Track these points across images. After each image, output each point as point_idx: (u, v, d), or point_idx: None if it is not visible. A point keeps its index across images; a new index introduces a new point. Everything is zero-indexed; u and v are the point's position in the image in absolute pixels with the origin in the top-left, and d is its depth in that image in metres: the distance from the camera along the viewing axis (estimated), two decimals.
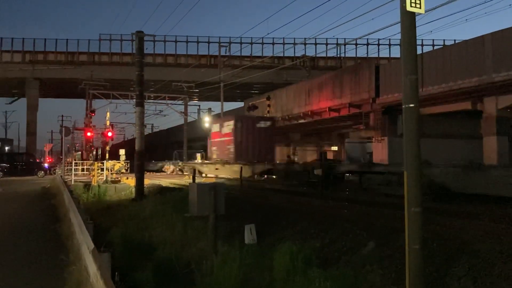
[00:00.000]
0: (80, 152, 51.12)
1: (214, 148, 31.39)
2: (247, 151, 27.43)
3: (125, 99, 43.82)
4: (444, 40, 43.68)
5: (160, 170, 41.39)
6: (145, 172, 39.25)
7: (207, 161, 33.16)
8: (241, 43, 45.54)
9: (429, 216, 8.04)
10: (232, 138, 28.18)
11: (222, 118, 33.06)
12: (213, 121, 33.73)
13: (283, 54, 45.20)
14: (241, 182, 21.27)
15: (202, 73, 41.65)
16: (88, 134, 39.75)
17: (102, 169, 24.73)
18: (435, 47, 40.61)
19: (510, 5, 32.63)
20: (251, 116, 33.47)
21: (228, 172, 26.12)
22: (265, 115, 33.45)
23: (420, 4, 5.02)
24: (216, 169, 28.11)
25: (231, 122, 28.69)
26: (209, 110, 44.52)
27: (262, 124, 29.21)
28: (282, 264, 6.61)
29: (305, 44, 46.24)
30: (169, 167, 39.89)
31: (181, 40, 47.74)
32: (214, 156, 30.91)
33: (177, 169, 37.75)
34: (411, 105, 5.01)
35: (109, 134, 27.65)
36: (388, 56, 46.03)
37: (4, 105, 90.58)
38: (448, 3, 15.42)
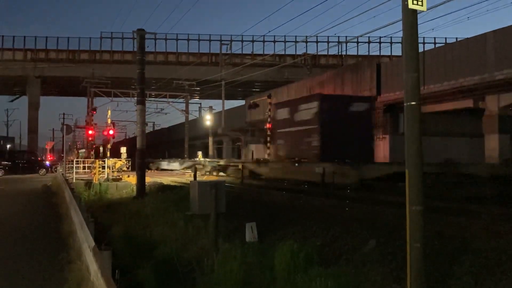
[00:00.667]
0: (84, 150, 51.19)
1: (280, 141, 23.29)
2: (338, 145, 18.96)
3: (126, 97, 43.82)
4: (446, 38, 43.68)
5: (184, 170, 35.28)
6: (161, 170, 37.94)
7: (264, 159, 25.94)
8: (242, 41, 45.54)
9: (430, 214, 8.03)
10: (316, 126, 19.64)
11: (295, 99, 24.32)
12: (277, 105, 24.41)
13: (285, 52, 45.24)
14: (242, 180, 21.25)
15: (203, 71, 41.64)
16: (90, 132, 39.80)
17: (104, 167, 24.76)
18: (437, 45, 40.53)
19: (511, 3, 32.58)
20: (340, 95, 24.92)
21: (304, 175, 19.07)
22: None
23: (422, 1, 5.00)
24: (284, 170, 21.03)
25: (314, 104, 20.06)
26: (210, 108, 44.52)
27: (358, 107, 20.64)
28: (283, 262, 6.60)
29: (306, 42, 46.24)
30: (202, 166, 32.47)
31: (183, 38, 47.80)
32: (281, 153, 23.01)
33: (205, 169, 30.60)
34: (413, 103, 5.00)
35: (111, 132, 27.66)
36: (389, 54, 46.00)
37: (6, 103, 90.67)
38: (450, 1, 15.37)
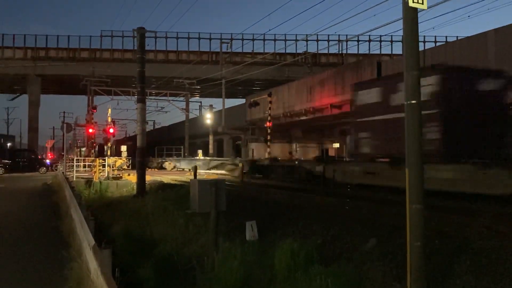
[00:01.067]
0: (85, 148, 51.27)
1: (364, 134, 17.09)
2: (467, 138, 13.57)
3: (126, 96, 43.92)
4: (446, 36, 43.72)
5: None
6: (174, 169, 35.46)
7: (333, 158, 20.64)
8: (242, 39, 45.52)
9: (430, 213, 8.02)
10: (436, 111, 13.45)
11: (393, 75, 17.75)
12: (359, 85, 18.32)
13: (285, 50, 45.27)
14: (242, 178, 21.24)
15: (203, 70, 41.66)
16: (90, 130, 39.82)
17: (104, 166, 24.77)
18: (437, 44, 40.49)
19: None
20: (466, 66, 17.06)
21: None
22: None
23: (422, 0, 4.99)
24: (370, 173, 15.65)
25: (431, 80, 13.77)
26: (211, 106, 44.56)
27: (490, 84, 14.50)
28: (283, 261, 6.59)
29: (306, 40, 46.22)
30: (236, 166, 26.09)
31: (183, 36, 47.78)
32: (366, 150, 16.91)
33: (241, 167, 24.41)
34: (413, 101, 4.99)
35: (111, 130, 27.64)
36: (390, 52, 45.98)
37: (6, 101, 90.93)
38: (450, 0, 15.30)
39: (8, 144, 64.17)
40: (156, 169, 38.46)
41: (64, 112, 58.37)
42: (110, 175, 23.98)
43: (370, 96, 17.02)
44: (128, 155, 29.41)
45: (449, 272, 5.42)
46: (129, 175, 24.82)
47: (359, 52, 46.93)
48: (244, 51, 45.54)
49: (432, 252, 5.82)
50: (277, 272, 6.53)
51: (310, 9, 46.16)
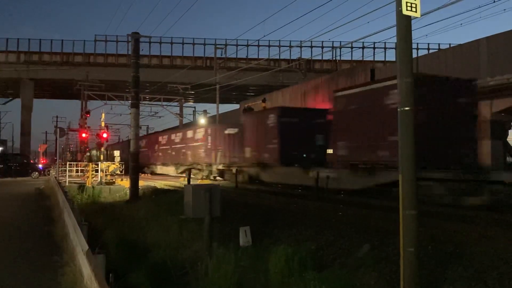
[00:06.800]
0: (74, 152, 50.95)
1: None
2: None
3: (120, 101, 43.72)
4: (439, 44, 44.16)
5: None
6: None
7: None
8: (237, 45, 45.63)
9: (424, 218, 8.06)
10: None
11: None
12: None
13: (279, 56, 45.40)
14: (236, 185, 21.20)
15: (197, 75, 41.67)
16: (83, 135, 39.57)
17: (97, 171, 24.65)
18: (430, 51, 40.84)
19: (504, 10, 32.96)
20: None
21: None
22: None
23: (416, 7, 5.05)
24: None
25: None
26: (205, 112, 44.50)
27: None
28: (277, 266, 6.59)
29: (301, 46, 46.43)
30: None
31: (177, 41, 47.83)
32: None
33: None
34: (407, 108, 5.03)
35: (104, 135, 27.51)
36: (383, 59, 46.29)
37: None
38: (443, 7, 15.50)
39: (0, 149, 63.64)
40: (148, 174, 38.27)
41: (57, 117, 58.06)
42: (103, 180, 23.86)
43: None
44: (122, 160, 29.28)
45: (441, 278, 5.45)
46: (122, 180, 24.71)
47: (353, 59, 47.23)
48: (238, 56, 45.65)
49: (425, 257, 5.85)
50: (271, 278, 6.53)
51: (304, 16, 46.40)
